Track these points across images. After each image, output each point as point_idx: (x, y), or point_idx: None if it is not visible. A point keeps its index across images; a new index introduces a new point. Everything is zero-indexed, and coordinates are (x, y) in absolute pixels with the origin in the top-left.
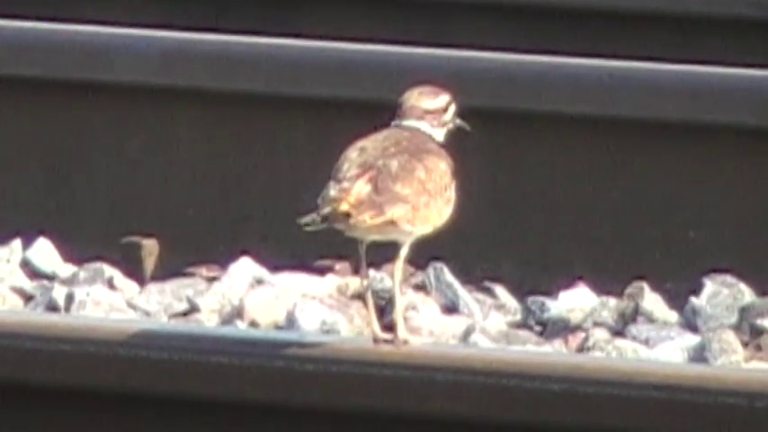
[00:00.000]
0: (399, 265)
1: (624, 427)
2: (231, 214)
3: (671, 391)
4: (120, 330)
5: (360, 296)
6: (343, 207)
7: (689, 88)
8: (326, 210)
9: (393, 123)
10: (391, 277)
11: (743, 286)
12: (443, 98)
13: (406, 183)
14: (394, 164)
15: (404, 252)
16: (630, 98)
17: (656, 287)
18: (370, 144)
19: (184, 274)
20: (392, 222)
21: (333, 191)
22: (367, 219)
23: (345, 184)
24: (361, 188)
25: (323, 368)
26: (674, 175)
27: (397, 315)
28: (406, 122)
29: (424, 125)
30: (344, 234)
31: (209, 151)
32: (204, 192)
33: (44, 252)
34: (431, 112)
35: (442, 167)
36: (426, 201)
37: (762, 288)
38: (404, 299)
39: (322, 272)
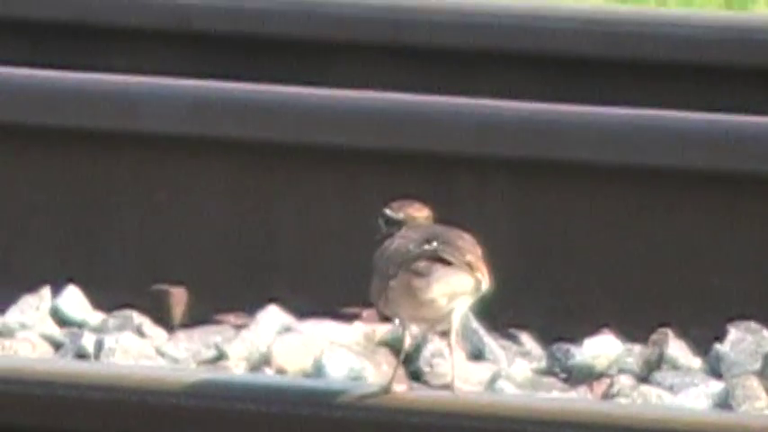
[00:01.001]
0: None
1: None
2: (259, 262)
3: None
4: (149, 378)
5: (387, 343)
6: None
7: (712, 136)
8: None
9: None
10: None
11: (767, 333)
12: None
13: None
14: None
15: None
16: (654, 146)
17: (681, 334)
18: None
19: (213, 322)
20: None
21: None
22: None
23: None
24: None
25: (350, 415)
26: (698, 223)
27: (453, 366)
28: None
29: None
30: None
31: (236, 200)
32: (232, 240)
33: (73, 300)
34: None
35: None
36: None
37: None
38: (431, 346)
39: (349, 319)
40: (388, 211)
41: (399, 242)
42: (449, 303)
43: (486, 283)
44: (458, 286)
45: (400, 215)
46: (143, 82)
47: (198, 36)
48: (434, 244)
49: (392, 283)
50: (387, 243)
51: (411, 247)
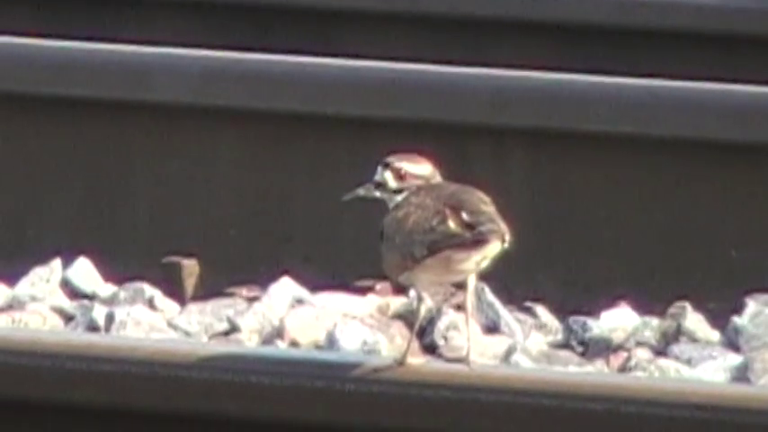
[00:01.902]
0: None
1: None
2: (272, 234)
3: (713, 410)
4: (161, 350)
5: (401, 316)
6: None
7: (731, 107)
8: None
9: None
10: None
11: None
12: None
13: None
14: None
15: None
16: (672, 117)
17: (699, 307)
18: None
19: (225, 295)
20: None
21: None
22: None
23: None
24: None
25: (364, 388)
26: (716, 195)
27: (469, 339)
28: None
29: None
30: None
31: (249, 171)
32: (244, 212)
33: (84, 272)
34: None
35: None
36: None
37: None
38: (446, 319)
39: (362, 292)
40: (390, 165)
41: (420, 214)
42: (477, 267)
43: (508, 241)
44: (491, 252)
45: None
46: (155, 52)
47: (209, 6)
48: (464, 216)
49: (428, 261)
50: (401, 211)
51: (435, 222)
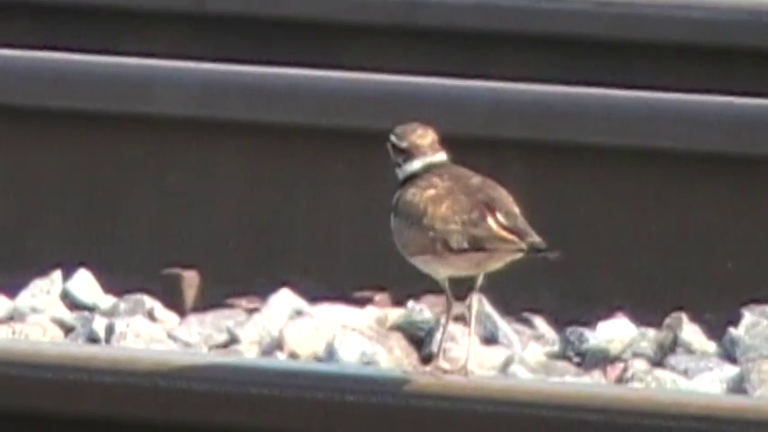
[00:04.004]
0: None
1: None
2: (271, 246)
3: (710, 422)
4: (161, 362)
5: (399, 328)
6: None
7: (728, 120)
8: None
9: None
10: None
11: None
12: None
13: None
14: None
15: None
16: (669, 130)
17: (695, 318)
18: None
19: (224, 306)
20: None
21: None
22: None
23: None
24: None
25: (362, 399)
26: (713, 207)
27: (469, 349)
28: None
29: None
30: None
31: (248, 183)
32: (244, 224)
33: (84, 283)
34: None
35: None
36: None
37: None
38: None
39: (361, 303)
40: (393, 139)
41: (453, 201)
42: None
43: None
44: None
45: (404, 144)
46: (155, 65)
47: (210, 19)
48: (499, 216)
49: (465, 254)
50: (428, 192)
51: (474, 216)
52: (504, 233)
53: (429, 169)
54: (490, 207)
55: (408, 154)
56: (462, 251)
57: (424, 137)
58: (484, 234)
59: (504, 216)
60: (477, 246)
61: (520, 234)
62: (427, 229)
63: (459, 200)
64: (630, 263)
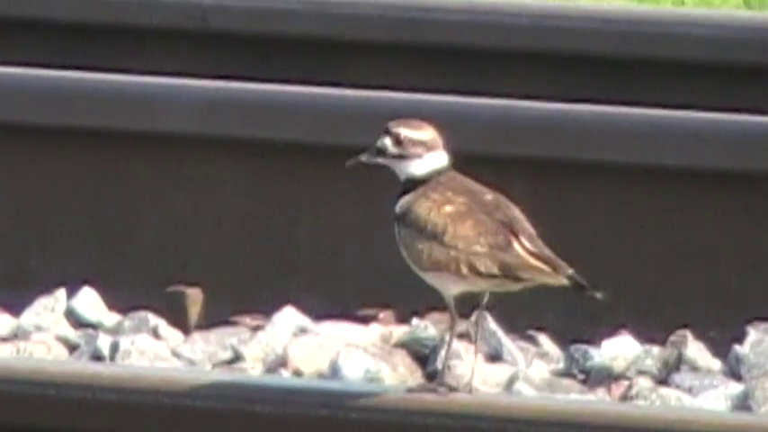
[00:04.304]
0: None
1: None
2: (274, 263)
3: None
4: (165, 379)
5: (403, 345)
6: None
7: (731, 137)
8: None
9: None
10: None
11: None
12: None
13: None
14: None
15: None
16: (673, 147)
17: (700, 335)
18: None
19: (229, 323)
20: None
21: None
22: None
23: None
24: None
25: (367, 417)
26: (717, 224)
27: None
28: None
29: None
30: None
31: (253, 201)
32: (248, 241)
33: (89, 301)
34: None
35: None
36: None
37: None
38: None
39: (365, 321)
40: (389, 130)
41: (476, 221)
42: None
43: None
44: None
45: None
46: (159, 82)
47: (214, 36)
48: (524, 241)
49: (492, 280)
50: (447, 207)
51: (500, 241)
52: (536, 262)
53: (435, 176)
54: (513, 230)
55: (408, 148)
56: (492, 276)
57: (425, 132)
58: (514, 261)
59: (528, 240)
60: (509, 273)
61: (549, 263)
62: (449, 247)
63: (482, 220)
64: (635, 280)
